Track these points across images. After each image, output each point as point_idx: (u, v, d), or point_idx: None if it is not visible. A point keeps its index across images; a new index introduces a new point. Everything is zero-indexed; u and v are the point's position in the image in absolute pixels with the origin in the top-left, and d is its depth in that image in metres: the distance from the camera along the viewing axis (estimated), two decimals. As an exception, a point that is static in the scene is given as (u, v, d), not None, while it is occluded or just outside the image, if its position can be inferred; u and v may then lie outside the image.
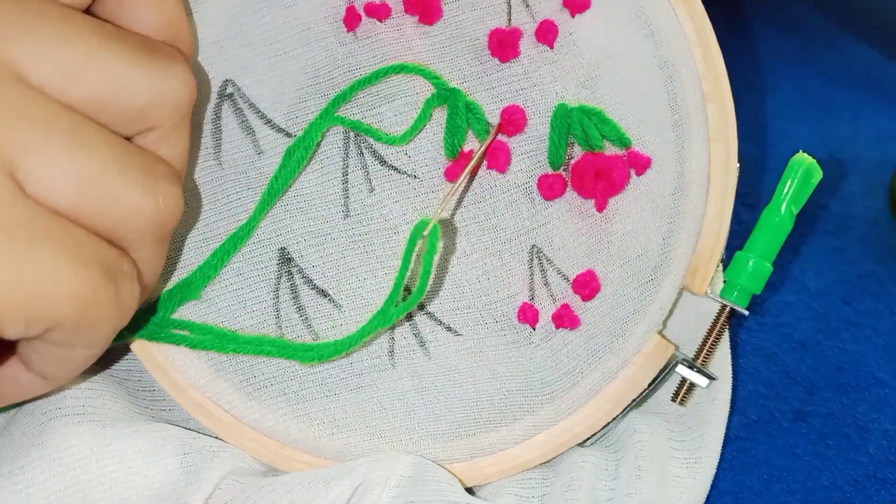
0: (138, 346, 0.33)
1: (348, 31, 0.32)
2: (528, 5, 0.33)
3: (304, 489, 0.32)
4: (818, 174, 0.35)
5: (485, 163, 0.33)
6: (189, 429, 0.34)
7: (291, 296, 0.33)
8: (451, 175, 0.33)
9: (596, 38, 0.33)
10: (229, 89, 0.32)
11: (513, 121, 0.33)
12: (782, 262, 0.47)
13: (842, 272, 0.49)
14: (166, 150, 0.28)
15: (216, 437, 0.34)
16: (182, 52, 0.28)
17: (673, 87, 0.34)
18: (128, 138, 0.27)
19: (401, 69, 0.32)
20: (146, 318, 0.33)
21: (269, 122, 0.32)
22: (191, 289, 0.32)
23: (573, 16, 0.33)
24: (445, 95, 0.32)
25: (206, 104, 0.32)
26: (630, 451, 0.34)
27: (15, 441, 0.31)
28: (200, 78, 0.32)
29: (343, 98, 0.32)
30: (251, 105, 0.32)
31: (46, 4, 0.25)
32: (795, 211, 0.35)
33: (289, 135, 0.32)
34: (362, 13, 0.32)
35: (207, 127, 0.32)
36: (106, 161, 0.25)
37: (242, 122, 0.32)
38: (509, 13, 0.33)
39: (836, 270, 0.49)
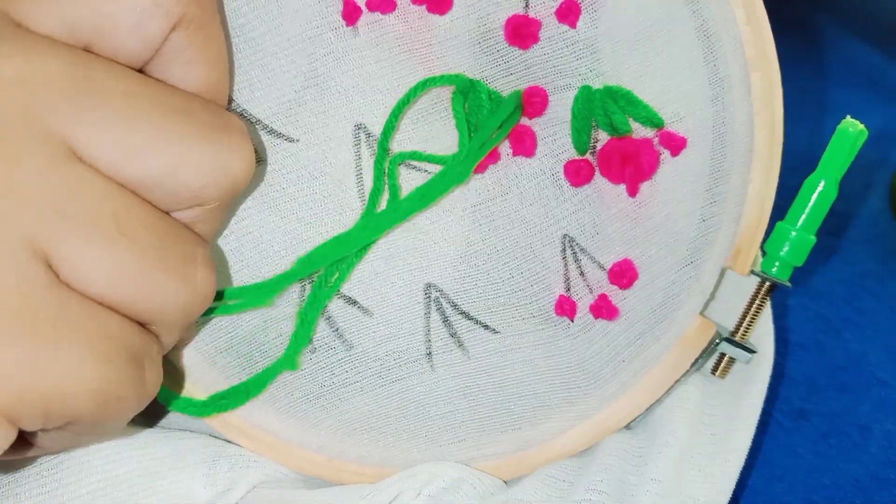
0: (167, 378, 0.32)
1: (348, 26, 0.30)
2: None
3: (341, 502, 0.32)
4: (863, 137, 0.33)
5: (509, 151, 0.32)
6: (220, 437, 0.33)
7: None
8: (479, 166, 0.31)
9: (625, 13, 0.30)
10: None
11: (532, 102, 0.31)
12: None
13: (842, 272, 0.49)
14: (203, 227, 0.26)
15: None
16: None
17: (714, 58, 0.31)
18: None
19: (429, 83, 0.30)
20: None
21: (266, 127, 0.30)
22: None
23: None
24: (467, 90, 0.31)
25: None
26: (660, 434, 0.34)
27: None
28: None
29: (390, 128, 0.30)
30: (243, 112, 0.30)
31: (112, 76, 0.24)
32: (838, 178, 0.33)
33: (291, 140, 0.31)
34: (363, 7, 0.29)
35: None
36: (146, 250, 0.24)
37: None
38: None
39: (837, 270, 0.49)
